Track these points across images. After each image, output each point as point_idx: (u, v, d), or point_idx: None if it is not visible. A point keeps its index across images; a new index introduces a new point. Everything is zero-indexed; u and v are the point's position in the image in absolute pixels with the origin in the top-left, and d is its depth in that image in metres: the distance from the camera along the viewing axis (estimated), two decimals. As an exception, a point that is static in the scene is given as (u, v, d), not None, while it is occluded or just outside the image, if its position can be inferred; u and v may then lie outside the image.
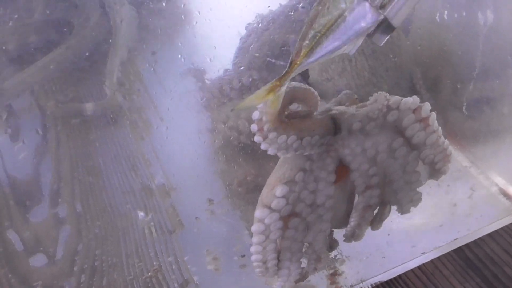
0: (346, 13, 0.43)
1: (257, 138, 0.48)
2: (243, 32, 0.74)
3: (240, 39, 0.73)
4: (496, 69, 0.73)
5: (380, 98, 0.51)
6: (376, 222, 0.56)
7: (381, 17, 0.44)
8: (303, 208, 0.50)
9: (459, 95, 0.76)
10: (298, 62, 0.44)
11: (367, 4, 0.43)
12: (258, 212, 0.49)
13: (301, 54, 0.43)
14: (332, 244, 0.57)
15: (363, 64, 0.72)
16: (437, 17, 0.71)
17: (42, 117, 0.69)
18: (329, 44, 0.44)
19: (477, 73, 0.73)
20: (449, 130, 0.77)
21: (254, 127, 0.47)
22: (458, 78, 0.75)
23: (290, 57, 0.44)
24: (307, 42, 0.44)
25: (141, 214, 0.69)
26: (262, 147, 0.48)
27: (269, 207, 0.49)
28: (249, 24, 0.72)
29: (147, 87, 0.70)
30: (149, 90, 0.70)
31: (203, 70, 0.69)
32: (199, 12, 0.62)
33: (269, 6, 0.70)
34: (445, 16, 0.71)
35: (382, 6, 0.44)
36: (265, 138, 0.47)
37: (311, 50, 0.44)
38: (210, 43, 0.65)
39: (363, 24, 0.44)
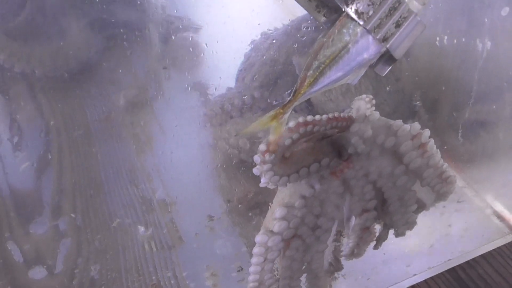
0: (350, 45, 0.45)
1: (255, 171, 0.48)
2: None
3: (244, 55, 0.74)
4: (492, 94, 0.74)
5: (361, 105, 0.52)
6: (377, 244, 0.57)
7: (384, 49, 0.46)
8: (305, 230, 0.51)
9: (456, 118, 0.77)
10: (302, 91, 0.45)
11: (370, 37, 0.45)
12: (259, 237, 0.50)
13: (305, 84, 0.45)
14: (337, 266, 0.58)
15: (366, 86, 0.73)
16: (437, 42, 0.73)
17: (45, 129, 0.69)
18: (332, 75, 0.45)
19: (474, 97, 0.74)
20: (446, 152, 0.78)
21: (256, 158, 0.48)
22: (456, 102, 0.76)
23: (294, 86, 0.45)
24: (311, 72, 0.45)
25: (141, 228, 0.69)
26: (262, 182, 0.49)
27: (270, 231, 0.50)
28: (253, 41, 0.73)
29: (150, 101, 0.71)
30: (153, 104, 0.71)
31: (207, 86, 0.70)
32: (206, 45, 0.63)
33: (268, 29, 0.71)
34: (445, 41, 0.72)
35: (385, 39, 0.45)
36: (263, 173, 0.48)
37: (315, 80, 0.45)
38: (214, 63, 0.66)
39: (366, 56, 0.46)
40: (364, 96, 0.54)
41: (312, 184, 0.50)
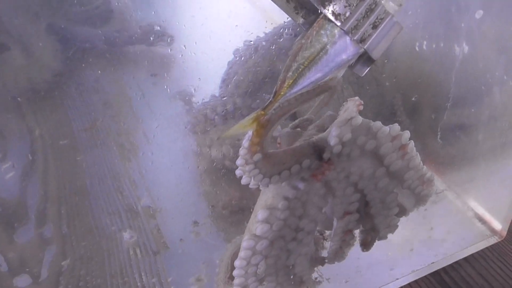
0: (328, 46, 0.46)
1: (238, 172, 0.49)
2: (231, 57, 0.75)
3: (227, 63, 0.74)
4: (471, 97, 0.75)
5: (351, 106, 0.53)
6: (367, 246, 0.58)
7: (361, 50, 0.46)
8: (288, 232, 0.52)
9: (436, 121, 0.78)
10: (282, 93, 0.46)
11: (347, 38, 0.46)
12: (245, 242, 0.50)
13: (285, 85, 0.45)
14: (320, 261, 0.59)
15: (349, 91, 0.74)
16: (416, 46, 0.74)
17: (30, 138, 0.69)
18: (311, 76, 0.46)
19: (454, 100, 0.75)
20: (427, 155, 0.79)
21: (239, 161, 0.49)
22: (436, 105, 0.77)
23: (275, 88, 0.46)
24: (290, 73, 0.46)
25: (126, 235, 0.69)
26: (243, 181, 0.49)
27: (254, 234, 0.50)
28: (236, 49, 0.74)
29: (135, 109, 0.71)
30: (137, 112, 0.71)
31: (191, 94, 0.71)
32: (184, 46, 0.63)
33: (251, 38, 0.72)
34: (424, 46, 0.73)
35: (362, 40, 0.46)
36: (245, 171, 0.48)
37: (295, 81, 0.46)
38: (197, 72, 0.66)
39: (344, 57, 0.47)
40: (356, 98, 0.54)
41: (295, 185, 0.51)
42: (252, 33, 0.71)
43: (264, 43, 0.74)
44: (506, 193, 0.78)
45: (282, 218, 0.50)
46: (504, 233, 0.80)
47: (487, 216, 0.81)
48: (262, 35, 0.72)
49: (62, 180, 0.70)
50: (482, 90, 0.74)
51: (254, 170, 0.48)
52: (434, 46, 0.73)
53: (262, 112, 0.46)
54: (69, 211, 0.69)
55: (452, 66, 0.73)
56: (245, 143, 0.47)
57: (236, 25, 0.66)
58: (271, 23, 0.70)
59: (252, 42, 0.74)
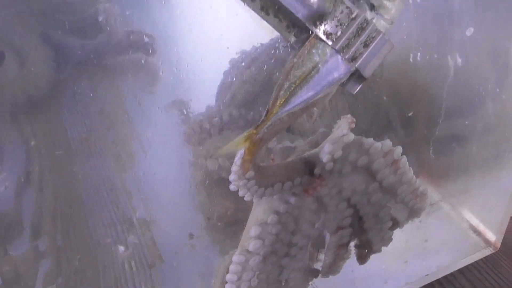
0: (319, 65, 0.46)
1: (232, 187, 0.49)
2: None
3: (223, 73, 0.74)
4: (465, 109, 0.76)
5: (343, 123, 0.53)
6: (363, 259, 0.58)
7: (353, 68, 0.47)
8: (280, 247, 0.52)
9: (431, 133, 0.78)
10: (274, 111, 0.46)
11: (339, 57, 0.46)
12: (235, 257, 0.50)
13: (277, 104, 0.46)
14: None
15: (343, 103, 0.74)
16: (410, 58, 0.74)
17: (26, 148, 0.69)
18: (303, 94, 0.46)
19: (448, 112, 0.75)
20: (422, 166, 0.79)
21: (231, 177, 0.49)
22: (431, 117, 0.78)
23: (267, 107, 0.46)
24: (282, 92, 0.46)
25: (121, 248, 0.69)
26: (240, 193, 0.50)
27: (246, 250, 0.50)
28: (232, 59, 0.74)
29: (131, 118, 0.71)
30: (134, 121, 0.71)
31: (187, 103, 0.71)
32: (180, 55, 0.63)
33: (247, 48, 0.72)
34: (418, 58, 0.74)
35: (354, 59, 0.46)
36: (239, 186, 0.49)
37: (287, 100, 0.46)
38: (193, 82, 0.66)
39: (335, 75, 0.47)
40: (348, 116, 0.55)
41: (286, 199, 0.51)
42: (248, 43, 0.71)
43: (260, 54, 0.74)
44: (500, 204, 0.79)
45: (274, 233, 0.51)
46: (498, 244, 0.80)
47: (482, 227, 0.81)
48: (258, 45, 0.72)
49: (57, 191, 0.70)
50: (476, 102, 0.74)
51: (248, 183, 0.48)
52: (428, 57, 0.74)
53: (254, 131, 0.46)
54: (64, 223, 0.69)
55: (446, 78, 0.73)
56: (237, 160, 0.48)
57: (233, 34, 0.66)
58: (268, 33, 0.70)
59: (248, 52, 0.74)
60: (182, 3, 0.60)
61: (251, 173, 0.48)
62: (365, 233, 0.56)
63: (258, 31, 0.67)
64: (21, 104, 0.67)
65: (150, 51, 0.66)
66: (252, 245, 0.50)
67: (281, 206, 0.51)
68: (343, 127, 0.52)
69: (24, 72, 0.66)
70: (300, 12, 0.45)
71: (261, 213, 0.52)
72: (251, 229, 0.50)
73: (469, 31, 0.67)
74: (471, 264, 0.77)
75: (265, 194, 0.50)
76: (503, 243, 0.81)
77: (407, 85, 0.77)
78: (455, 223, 0.81)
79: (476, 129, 0.77)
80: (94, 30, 0.63)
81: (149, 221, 0.71)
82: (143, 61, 0.67)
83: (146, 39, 0.66)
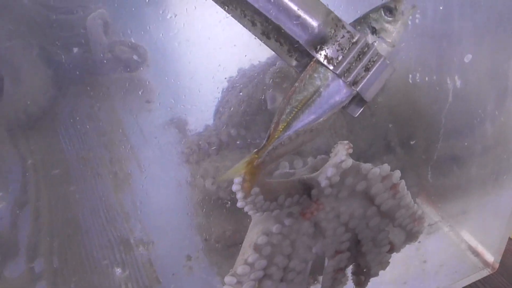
0: (321, 89, 0.46)
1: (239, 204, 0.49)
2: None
3: (222, 92, 0.74)
4: (464, 130, 0.76)
5: (340, 150, 0.53)
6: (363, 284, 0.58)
7: (354, 92, 0.47)
8: (275, 271, 0.51)
9: (430, 153, 0.78)
10: (276, 136, 0.46)
11: (340, 81, 0.46)
12: (227, 279, 0.50)
13: (279, 128, 0.46)
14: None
15: (341, 122, 0.74)
16: (409, 78, 0.74)
17: (23, 167, 0.68)
18: (305, 118, 0.46)
19: (447, 133, 0.75)
20: (421, 186, 0.79)
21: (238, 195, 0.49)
22: (430, 137, 0.78)
23: (268, 131, 0.46)
24: (284, 116, 0.46)
25: (118, 270, 0.68)
26: (238, 204, 0.50)
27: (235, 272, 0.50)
28: (230, 77, 0.74)
29: (129, 137, 0.71)
30: (131, 140, 0.71)
31: (185, 122, 0.70)
32: (178, 72, 0.63)
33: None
34: (417, 79, 0.74)
35: (355, 83, 0.46)
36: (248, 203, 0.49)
37: (288, 124, 0.46)
38: (190, 99, 0.66)
39: (337, 99, 0.47)
40: (345, 142, 0.55)
41: (280, 219, 0.51)
42: (246, 57, 0.71)
43: (258, 73, 0.74)
44: (498, 225, 0.79)
45: (265, 255, 0.50)
46: (497, 266, 0.80)
47: (480, 248, 0.81)
48: (256, 63, 0.72)
49: (54, 211, 0.69)
50: (475, 123, 0.74)
51: (256, 199, 0.48)
52: (427, 78, 0.74)
53: (256, 156, 0.46)
54: (60, 244, 0.68)
55: (446, 99, 0.73)
56: (237, 180, 0.48)
57: (231, 52, 0.66)
58: (266, 52, 0.70)
59: (246, 71, 0.74)
60: (180, 21, 0.60)
61: (256, 189, 0.48)
62: (363, 256, 0.55)
63: (257, 50, 0.67)
64: (19, 122, 0.66)
65: (148, 70, 0.66)
66: (240, 268, 0.50)
67: (275, 226, 0.51)
68: (341, 153, 0.52)
69: (22, 90, 0.66)
70: (301, 38, 0.45)
71: (255, 235, 0.51)
72: (244, 253, 0.50)
73: (467, 58, 0.68)
74: (469, 285, 0.77)
75: (270, 208, 0.50)
76: (501, 264, 0.81)
77: (406, 105, 0.77)
78: (454, 244, 0.81)
79: (475, 150, 0.77)
80: (92, 48, 0.63)
81: (146, 242, 0.71)
82: (141, 79, 0.67)
83: (144, 58, 0.66)
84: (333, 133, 0.75)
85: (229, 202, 0.68)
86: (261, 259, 0.50)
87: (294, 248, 0.52)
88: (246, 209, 0.50)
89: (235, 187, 0.49)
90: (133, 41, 0.63)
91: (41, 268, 0.66)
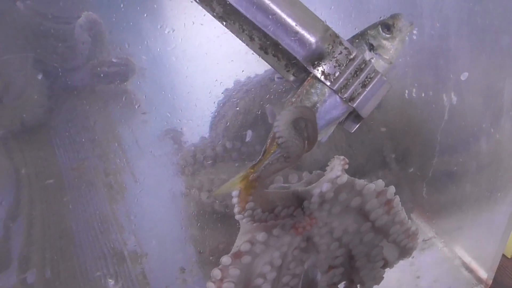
0: (318, 104, 0.46)
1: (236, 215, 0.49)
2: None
3: (218, 104, 0.74)
4: (459, 147, 0.76)
5: (336, 165, 0.53)
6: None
7: (351, 108, 0.47)
8: (263, 284, 0.51)
9: (426, 169, 0.79)
10: (272, 151, 0.46)
11: (337, 97, 0.46)
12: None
13: (274, 143, 0.46)
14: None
15: (340, 135, 0.74)
16: (406, 94, 0.75)
17: (16, 178, 0.68)
18: (301, 133, 0.46)
19: (442, 149, 0.76)
20: (416, 202, 0.79)
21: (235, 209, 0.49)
22: (425, 153, 0.78)
23: (264, 146, 0.46)
24: (280, 131, 0.46)
25: (111, 282, 0.68)
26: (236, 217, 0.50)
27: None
28: (226, 89, 0.74)
29: (124, 148, 0.70)
30: (126, 151, 0.71)
31: (181, 133, 0.70)
32: (174, 84, 0.63)
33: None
34: (414, 94, 0.74)
35: (352, 99, 0.47)
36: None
37: (284, 139, 0.46)
38: (186, 111, 0.66)
39: (334, 115, 0.47)
40: (341, 157, 0.55)
41: (269, 229, 0.51)
42: (244, 72, 0.71)
43: (254, 85, 0.74)
44: (492, 242, 0.79)
45: (245, 263, 0.50)
46: (490, 282, 0.80)
47: (474, 265, 0.81)
48: (253, 75, 0.72)
49: (47, 222, 0.69)
50: (470, 140, 0.75)
51: (253, 212, 0.48)
52: (423, 94, 0.74)
53: (252, 170, 0.46)
54: (53, 255, 0.67)
55: (441, 115, 0.73)
56: (234, 193, 0.48)
57: (227, 64, 0.66)
58: (262, 64, 0.70)
59: (242, 83, 0.74)
60: (178, 36, 0.60)
61: (250, 204, 0.48)
62: (356, 272, 0.55)
63: (254, 64, 0.67)
64: (14, 134, 0.66)
65: (145, 83, 0.66)
66: (214, 272, 0.50)
67: (260, 235, 0.51)
68: (337, 168, 0.52)
69: (17, 100, 0.65)
70: (298, 53, 0.45)
71: (239, 242, 0.52)
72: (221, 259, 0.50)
73: (464, 76, 0.68)
74: (463, 302, 0.77)
75: (268, 219, 0.50)
76: (494, 280, 0.81)
77: (403, 121, 0.77)
78: (448, 260, 0.81)
79: (470, 167, 0.77)
80: (88, 58, 0.63)
81: (140, 254, 0.70)
82: (136, 90, 0.67)
83: (140, 68, 0.66)
84: (333, 147, 0.75)
85: (224, 215, 0.68)
86: (235, 267, 0.50)
87: (285, 261, 0.52)
88: (244, 221, 0.50)
89: (234, 200, 0.49)
90: (131, 52, 0.64)
91: (34, 279, 0.65)
